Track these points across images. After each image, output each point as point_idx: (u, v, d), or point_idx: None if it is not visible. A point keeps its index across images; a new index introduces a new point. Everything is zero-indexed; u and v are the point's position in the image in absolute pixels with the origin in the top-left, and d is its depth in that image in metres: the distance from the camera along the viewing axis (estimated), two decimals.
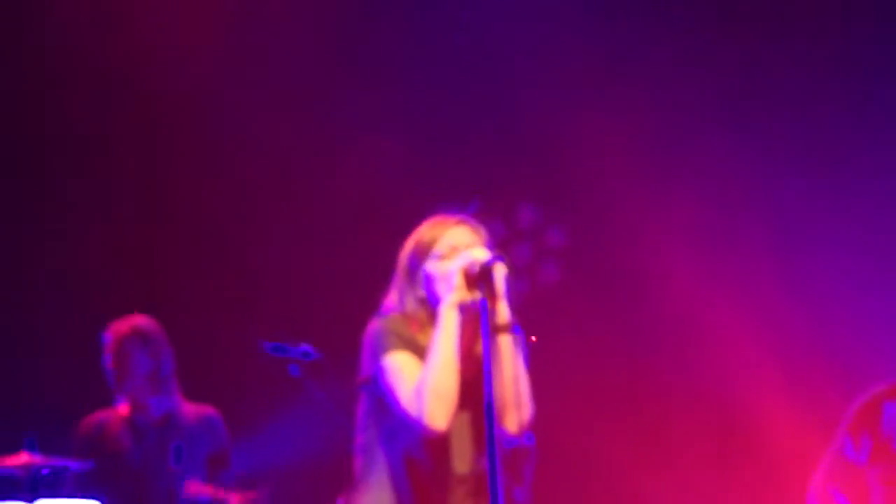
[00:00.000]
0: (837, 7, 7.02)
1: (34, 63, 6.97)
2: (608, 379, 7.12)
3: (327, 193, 7.07)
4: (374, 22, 7.24)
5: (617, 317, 7.21)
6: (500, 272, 3.62)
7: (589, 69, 7.08)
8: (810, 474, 5.26)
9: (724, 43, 7.10)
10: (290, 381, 5.46)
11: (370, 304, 3.88)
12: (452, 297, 3.61)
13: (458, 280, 3.61)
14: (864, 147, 6.89)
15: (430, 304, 3.73)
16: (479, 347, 3.60)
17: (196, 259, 7.14)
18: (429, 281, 3.75)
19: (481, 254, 3.65)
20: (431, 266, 3.75)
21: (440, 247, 3.76)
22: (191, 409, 5.93)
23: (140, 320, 5.90)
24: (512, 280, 3.65)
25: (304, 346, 5.46)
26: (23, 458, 5.09)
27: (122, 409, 5.88)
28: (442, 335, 3.58)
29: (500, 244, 3.78)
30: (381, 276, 3.91)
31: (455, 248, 3.74)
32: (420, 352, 3.65)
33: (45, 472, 5.21)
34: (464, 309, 3.62)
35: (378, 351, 3.68)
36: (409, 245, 3.84)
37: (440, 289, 3.70)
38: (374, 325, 3.76)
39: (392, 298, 3.84)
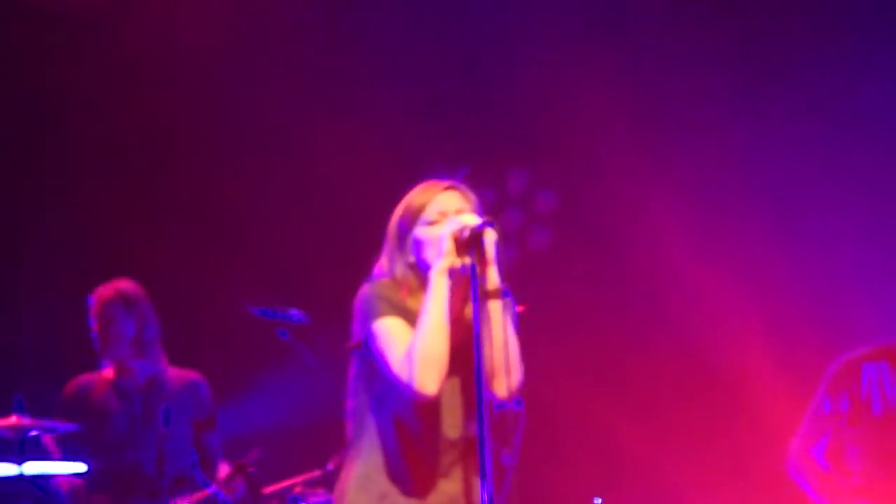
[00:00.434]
0: None
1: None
2: (597, 343, 7.14)
3: (318, 159, 7.06)
4: None
5: (607, 282, 7.22)
6: (490, 237, 3.61)
7: (581, 33, 7.06)
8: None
9: (723, 7, 7.09)
10: (280, 345, 5.48)
11: (361, 269, 3.88)
12: (442, 262, 3.60)
13: (448, 245, 3.60)
14: (858, 110, 6.89)
15: (420, 269, 3.73)
16: (469, 312, 3.60)
17: (183, 222, 7.14)
18: (418, 246, 3.74)
19: (471, 219, 3.65)
20: (421, 231, 3.74)
21: (430, 212, 3.75)
22: (175, 374, 5.94)
23: (125, 284, 5.90)
24: (502, 245, 3.65)
25: (293, 311, 5.48)
26: (12, 420, 5.10)
27: (108, 372, 5.89)
28: (432, 300, 3.58)
29: (490, 210, 3.77)
30: (371, 242, 3.91)
31: (445, 213, 3.73)
32: (410, 317, 3.65)
33: (33, 433, 5.22)
34: (453, 274, 3.62)
35: (368, 316, 3.67)
36: (398, 210, 3.83)
37: (430, 254, 3.69)
38: (364, 291, 3.75)
39: (382, 264, 3.83)
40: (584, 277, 7.22)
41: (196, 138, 7.15)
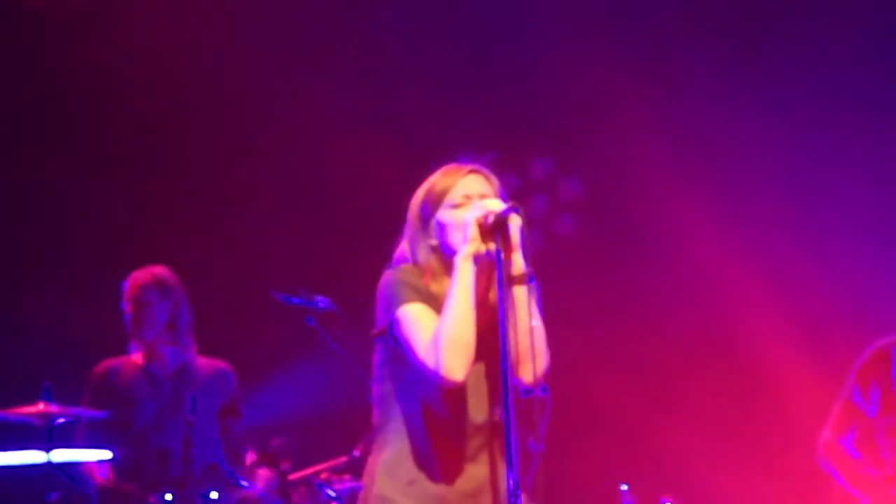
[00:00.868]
0: None
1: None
2: (624, 330, 7.14)
3: (344, 146, 7.06)
4: None
5: (631, 268, 7.21)
6: (514, 223, 3.60)
7: (607, 21, 7.05)
8: (821, 425, 5.26)
9: None
10: (306, 332, 5.48)
11: (386, 254, 3.87)
12: (467, 248, 3.59)
13: (473, 231, 3.59)
14: (878, 100, 6.87)
15: (443, 253, 3.72)
16: (494, 297, 3.59)
17: (209, 209, 7.16)
18: (442, 229, 3.73)
19: (496, 204, 3.63)
20: (445, 215, 3.73)
21: (454, 195, 3.73)
22: (204, 363, 5.96)
23: (160, 270, 5.93)
24: (527, 231, 3.63)
25: (319, 297, 5.48)
26: (39, 408, 5.12)
27: (137, 357, 5.91)
28: (458, 286, 3.57)
29: (513, 196, 3.75)
30: (396, 227, 3.90)
31: (469, 196, 3.72)
32: (434, 302, 3.64)
33: (61, 421, 5.24)
34: (478, 259, 3.61)
35: (392, 303, 3.66)
36: (421, 193, 3.81)
37: (453, 238, 3.68)
38: (387, 277, 3.74)
39: (403, 248, 3.82)
40: (608, 265, 7.21)
41: (220, 124, 7.16)
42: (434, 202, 3.76)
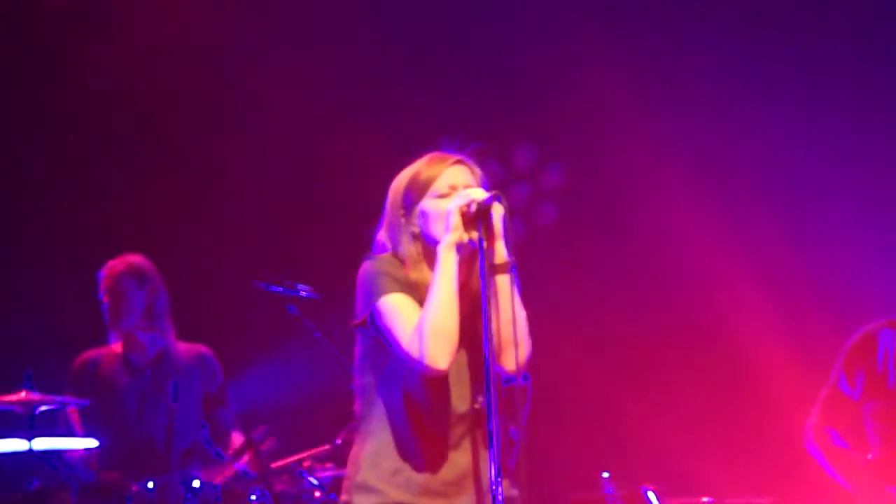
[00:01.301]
0: None
1: None
2: (605, 318, 7.15)
3: (324, 136, 7.05)
4: None
5: (613, 257, 7.22)
6: (497, 211, 3.61)
7: (589, 9, 7.05)
8: (802, 412, 5.29)
9: None
10: (289, 321, 5.49)
11: (366, 242, 3.87)
12: (450, 237, 3.59)
13: (456, 220, 3.59)
14: (861, 88, 6.89)
15: (425, 241, 3.72)
16: (475, 284, 3.60)
17: (190, 198, 7.14)
18: (425, 218, 3.73)
19: (479, 193, 3.63)
20: (429, 204, 3.73)
21: (439, 185, 3.73)
22: (184, 348, 5.97)
23: (136, 258, 5.92)
24: (509, 219, 3.64)
25: (302, 286, 5.49)
26: (21, 396, 5.11)
27: (116, 346, 5.91)
28: (441, 275, 3.57)
29: (497, 185, 3.76)
30: (376, 215, 3.89)
31: (454, 187, 3.72)
32: (414, 291, 3.64)
33: (43, 409, 5.23)
34: (461, 248, 3.62)
35: (372, 293, 3.66)
36: (403, 181, 3.80)
37: (436, 227, 3.68)
38: (366, 267, 3.73)
39: (382, 236, 3.82)
40: (590, 253, 7.22)
41: (199, 112, 7.14)
42: (419, 191, 3.75)
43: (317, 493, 5.68)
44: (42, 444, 5.22)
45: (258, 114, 7.21)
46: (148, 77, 7.08)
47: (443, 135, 3.90)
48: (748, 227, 7.01)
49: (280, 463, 5.80)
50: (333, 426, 5.82)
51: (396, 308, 3.62)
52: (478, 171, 3.81)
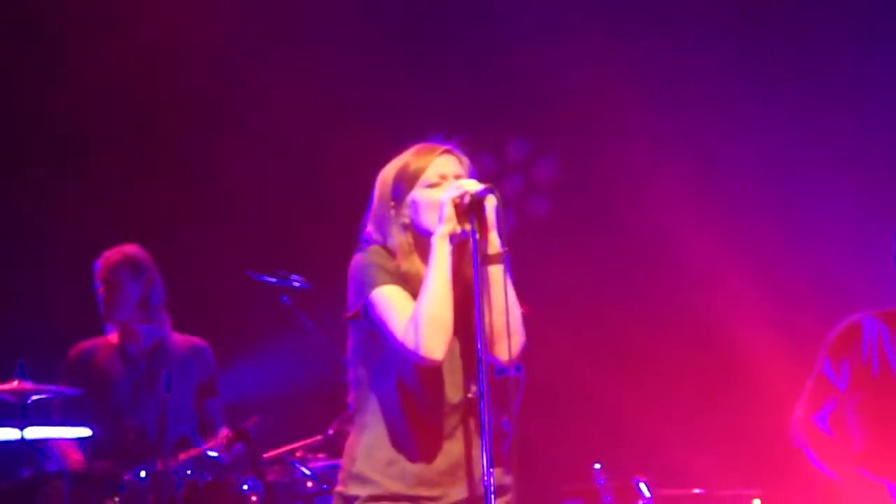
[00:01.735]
0: None
1: None
2: (597, 310, 7.16)
3: (315, 126, 7.05)
4: None
5: (605, 249, 7.24)
6: (491, 203, 3.61)
7: (584, 4, 7.06)
8: (793, 404, 5.29)
9: None
10: (282, 311, 5.49)
11: (358, 233, 3.86)
12: (443, 227, 3.59)
13: (449, 210, 3.59)
14: (863, 88, 6.91)
15: (416, 231, 3.72)
16: (467, 273, 3.61)
17: (184, 189, 7.14)
18: (416, 209, 3.72)
19: (472, 185, 3.63)
20: (419, 194, 3.72)
21: (429, 174, 3.73)
22: (180, 339, 5.97)
23: (131, 249, 5.91)
24: (502, 211, 3.64)
25: (295, 277, 5.49)
26: (13, 385, 5.11)
27: (112, 337, 5.91)
28: (435, 266, 3.57)
29: (489, 176, 3.76)
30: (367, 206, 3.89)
31: (444, 176, 3.72)
32: (406, 282, 3.64)
33: (35, 398, 5.24)
34: (454, 239, 3.62)
35: (365, 285, 3.66)
36: (390, 173, 3.80)
37: (427, 217, 3.68)
38: (357, 260, 3.73)
39: (371, 229, 3.81)
40: (583, 246, 7.23)
41: (195, 105, 7.14)
42: (408, 181, 3.75)
43: (309, 483, 5.69)
44: (34, 433, 5.22)
45: (258, 114, 7.20)
46: (148, 77, 7.07)
47: (436, 127, 3.90)
48: (741, 222, 7.03)
49: (272, 453, 5.81)
50: (326, 416, 5.83)
51: (390, 300, 3.62)
52: (465, 160, 3.81)
